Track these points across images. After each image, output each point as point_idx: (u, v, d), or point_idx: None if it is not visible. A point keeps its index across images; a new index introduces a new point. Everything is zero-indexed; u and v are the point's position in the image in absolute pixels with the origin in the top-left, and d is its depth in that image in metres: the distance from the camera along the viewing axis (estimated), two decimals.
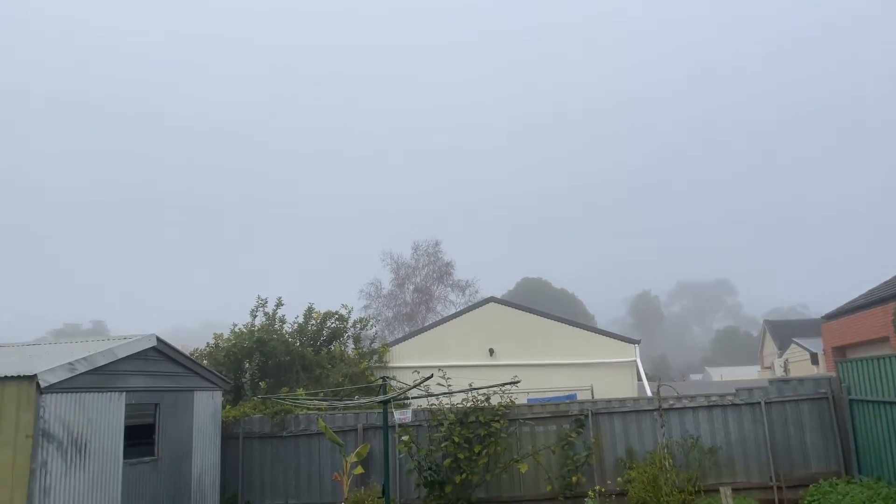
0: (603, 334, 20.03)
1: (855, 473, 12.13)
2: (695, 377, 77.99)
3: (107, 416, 10.79)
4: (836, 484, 11.29)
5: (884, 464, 11.20)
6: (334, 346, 20.79)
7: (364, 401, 12.99)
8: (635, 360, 19.20)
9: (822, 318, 29.66)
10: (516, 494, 13.32)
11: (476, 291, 50.82)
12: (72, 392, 10.13)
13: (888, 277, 25.56)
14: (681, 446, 12.73)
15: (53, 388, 9.75)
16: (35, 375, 9.50)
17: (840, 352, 25.16)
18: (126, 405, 11.19)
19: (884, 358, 11.34)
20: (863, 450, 12.05)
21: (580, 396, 17.09)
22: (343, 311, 21.39)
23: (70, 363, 10.08)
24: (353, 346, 21.67)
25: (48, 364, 9.95)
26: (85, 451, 10.26)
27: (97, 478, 10.44)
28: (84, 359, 10.35)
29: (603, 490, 12.26)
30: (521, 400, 14.08)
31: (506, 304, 22.74)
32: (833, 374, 13.40)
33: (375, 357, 21.22)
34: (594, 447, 13.05)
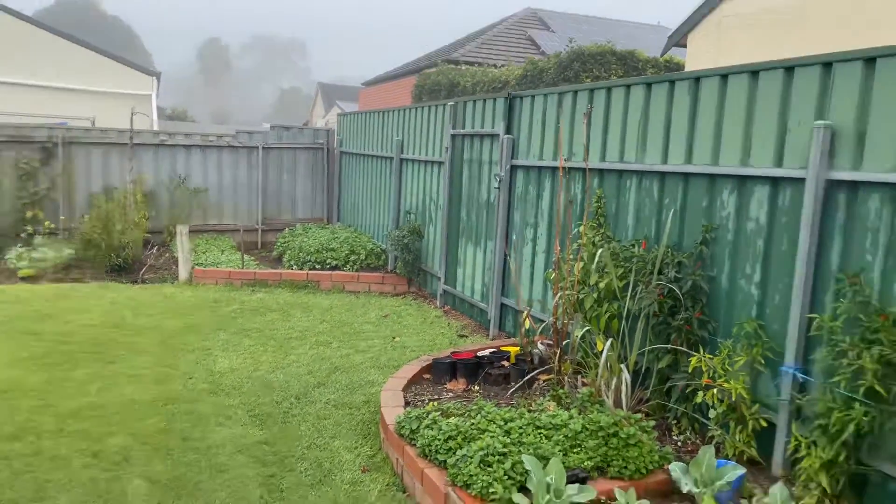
0: (114, 59, 17.06)
1: (334, 222, 12.95)
2: None
3: None
4: (310, 227, 11.80)
5: (356, 213, 12.06)
6: None
7: None
8: (151, 95, 17.09)
9: (362, 84, 31.36)
10: None
11: None
12: None
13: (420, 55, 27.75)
14: (167, 186, 11.75)
15: None
16: None
17: None
18: None
19: (364, 113, 11.76)
20: (344, 200, 12.83)
21: None
22: None
23: None
24: None
25: None
26: None
27: None
28: None
29: (53, 226, 10.72)
30: None
31: None
32: (333, 127, 13.71)
33: None
34: (61, 180, 11.16)
